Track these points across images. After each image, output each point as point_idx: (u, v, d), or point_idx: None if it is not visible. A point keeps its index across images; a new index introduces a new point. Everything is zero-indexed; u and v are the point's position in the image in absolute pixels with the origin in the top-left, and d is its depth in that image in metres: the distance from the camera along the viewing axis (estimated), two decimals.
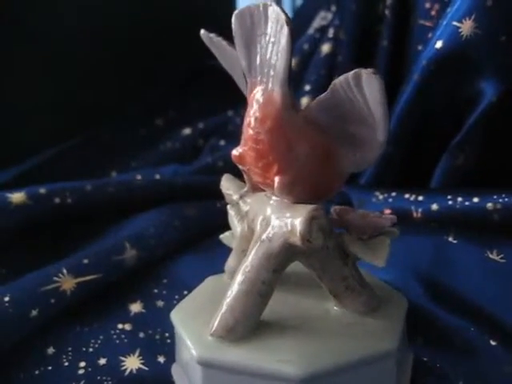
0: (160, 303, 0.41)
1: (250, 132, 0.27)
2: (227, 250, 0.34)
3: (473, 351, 0.33)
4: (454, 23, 0.43)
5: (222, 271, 0.34)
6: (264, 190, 0.29)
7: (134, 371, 0.34)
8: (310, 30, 0.66)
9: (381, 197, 0.52)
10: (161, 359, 0.35)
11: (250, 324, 0.27)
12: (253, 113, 0.26)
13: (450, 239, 0.41)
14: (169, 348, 0.35)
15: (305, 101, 0.61)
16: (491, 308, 0.36)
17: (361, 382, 0.26)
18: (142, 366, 0.34)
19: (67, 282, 0.39)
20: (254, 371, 0.26)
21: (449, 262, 0.39)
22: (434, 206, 0.46)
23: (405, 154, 0.52)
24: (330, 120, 0.26)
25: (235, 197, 0.32)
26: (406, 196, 0.49)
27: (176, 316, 0.30)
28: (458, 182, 0.49)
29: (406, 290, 0.36)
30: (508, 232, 0.41)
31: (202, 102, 0.76)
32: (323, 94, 0.26)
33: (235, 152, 0.28)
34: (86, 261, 0.41)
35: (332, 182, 0.28)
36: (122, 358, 0.35)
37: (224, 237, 0.35)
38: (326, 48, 0.61)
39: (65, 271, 0.39)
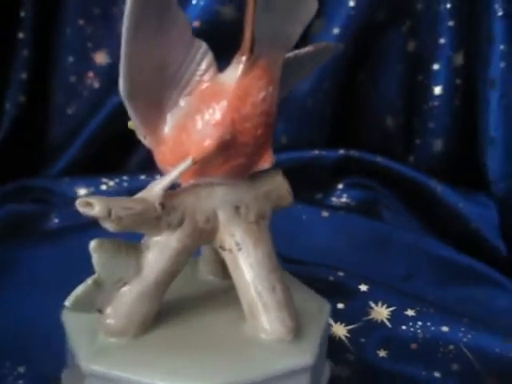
0: None
1: (264, 107, 0.24)
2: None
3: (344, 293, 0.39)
4: None
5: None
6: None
7: None
8: None
9: (111, 183, 0.46)
10: None
11: None
12: (265, 85, 0.24)
13: None
14: None
15: None
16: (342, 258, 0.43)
17: None
18: None
19: None
20: None
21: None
22: None
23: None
24: None
25: (158, 208, 0.24)
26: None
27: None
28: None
29: None
30: None
31: None
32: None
33: (214, 140, 0.23)
34: None
35: None
36: None
37: (77, 299, 0.24)
38: None
39: None
